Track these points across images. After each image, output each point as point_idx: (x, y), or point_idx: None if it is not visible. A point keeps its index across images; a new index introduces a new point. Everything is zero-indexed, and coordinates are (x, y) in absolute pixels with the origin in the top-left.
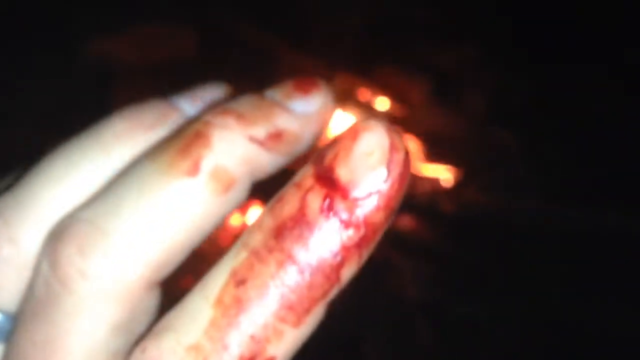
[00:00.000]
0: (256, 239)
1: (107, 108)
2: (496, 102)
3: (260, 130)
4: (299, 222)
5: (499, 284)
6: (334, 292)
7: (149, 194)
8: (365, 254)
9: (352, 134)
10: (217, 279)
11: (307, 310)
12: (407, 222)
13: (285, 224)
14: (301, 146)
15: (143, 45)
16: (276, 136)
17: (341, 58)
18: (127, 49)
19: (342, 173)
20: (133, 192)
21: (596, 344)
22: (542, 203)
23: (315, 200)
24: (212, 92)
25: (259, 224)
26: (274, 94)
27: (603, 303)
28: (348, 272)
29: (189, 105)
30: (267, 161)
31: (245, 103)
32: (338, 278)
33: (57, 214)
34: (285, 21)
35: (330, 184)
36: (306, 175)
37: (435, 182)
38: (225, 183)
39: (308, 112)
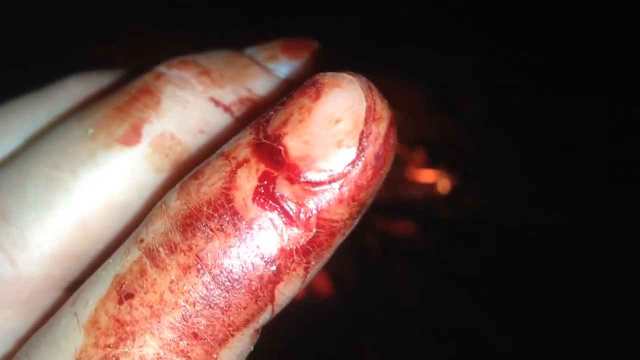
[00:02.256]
0: (156, 231)
1: None
2: (493, 109)
3: (228, 93)
4: (221, 211)
5: (494, 289)
6: (264, 316)
7: (67, 167)
8: (315, 266)
9: (314, 90)
10: (95, 290)
11: (223, 342)
12: (403, 227)
13: (199, 211)
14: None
15: (141, 51)
16: (248, 102)
17: (337, 64)
18: (124, 54)
19: (293, 145)
20: (47, 164)
21: (592, 348)
22: (537, 210)
23: (248, 179)
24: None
25: (161, 209)
26: (255, 52)
27: (599, 308)
28: (287, 290)
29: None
30: (232, 131)
31: (215, 57)
32: (271, 297)
33: None
34: (282, 27)
35: (273, 158)
36: (240, 142)
37: (431, 188)
38: (173, 155)
39: (294, 75)
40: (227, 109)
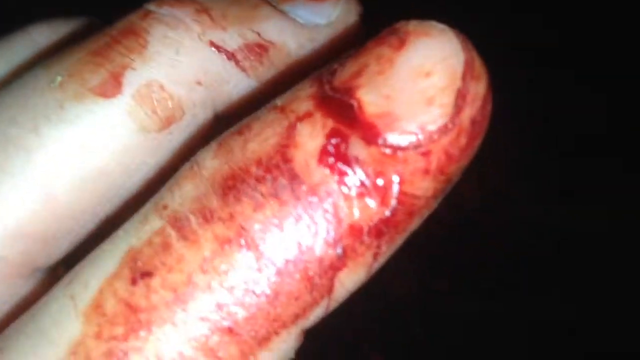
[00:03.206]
0: (184, 195)
1: None
2: (494, 106)
3: (233, 36)
4: (276, 172)
5: (493, 283)
6: (317, 313)
7: (27, 123)
8: (385, 254)
9: (397, 38)
10: (99, 266)
11: (264, 341)
12: None
13: (246, 172)
14: (294, 73)
15: None
16: (257, 49)
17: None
18: None
19: (370, 99)
20: (3, 118)
21: (591, 344)
22: (537, 207)
23: (312, 136)
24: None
25: (191, 170)
26: None
27: (598, 304)
28: (349, 280)
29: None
30: (239, 88)
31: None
32: (331, 287)
33: None
34: None
35: (344, 114)
36: (299, 94)
37: None
38: (163, 112)
39: (315, 22)
40: (230, 55)
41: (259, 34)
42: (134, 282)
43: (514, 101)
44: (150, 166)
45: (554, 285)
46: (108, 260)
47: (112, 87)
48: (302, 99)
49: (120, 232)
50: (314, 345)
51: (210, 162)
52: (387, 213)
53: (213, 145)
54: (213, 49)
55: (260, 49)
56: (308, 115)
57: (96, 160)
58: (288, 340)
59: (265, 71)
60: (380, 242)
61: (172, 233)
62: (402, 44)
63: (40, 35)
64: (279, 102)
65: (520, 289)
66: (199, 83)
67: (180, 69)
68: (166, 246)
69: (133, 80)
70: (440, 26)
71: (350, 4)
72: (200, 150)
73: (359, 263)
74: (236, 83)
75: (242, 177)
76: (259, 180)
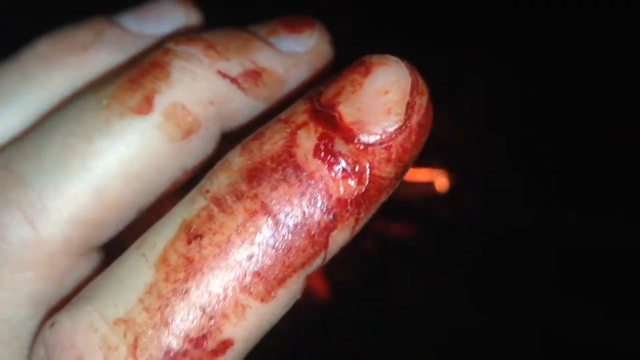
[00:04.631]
0: (221, 182)
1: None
2: (491, 107)
3: (234, 65)
4: (284, 164)
5: (494, 290)
6: (317, 262)
7: (82, 134)
8: (364, 218)
9: (364, 67)
10: (162, 233)
11: (281, 281)
12: (401, 228)
13: (263, 165)
14: (283, 92)
15: None
16: (254, 75)
17: (336, 60)
18: None
19: (346, 111)
20: (62, 131)
21: (591, 352)
22: (536, 208)
23: (308, 139)
24: (168, 10)
25: (224, 165)
26: (257, 28)
27: (599, 310)
28: (339, 238)
29: (134, 21)
30: (241, 105)
31: (219, 32)
32: (326, 243)
33: None
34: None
35: (329, 122)
36: (297, 110)
37: (429, 187)
38: (184, 126)
39: (296, 51)
40: (233, 80)
41: (254, 62)
42: (189, 242)
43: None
44: (175, 168)
45: (556, 294)
46: (168, 228)
47: (145, 106)
48: (299, 112)
49: (174, 210)
50: (314, 349)
51: (237, 159)
52: (363, 190)
53: (238, 147)
54: (220, 76)
55: (256, 74)
56: (304, 124)
57: (136, 163)
58: (298, 282)
59: (260, 91)
60: (360, 210)
61: (214, 208)
62: (367, 71)
63: (47, 49)
64: (282, 116)
65: (518, 298)
66: (210, 103)
67: (196, 92)
68: (210, 217)
69: (161, 102)
70: (394, 58)
71: (321, 34)
72: (229, 151)
73: (345, 225)
74: (238, 101)
75: (261, 169)
76: (273, 170)
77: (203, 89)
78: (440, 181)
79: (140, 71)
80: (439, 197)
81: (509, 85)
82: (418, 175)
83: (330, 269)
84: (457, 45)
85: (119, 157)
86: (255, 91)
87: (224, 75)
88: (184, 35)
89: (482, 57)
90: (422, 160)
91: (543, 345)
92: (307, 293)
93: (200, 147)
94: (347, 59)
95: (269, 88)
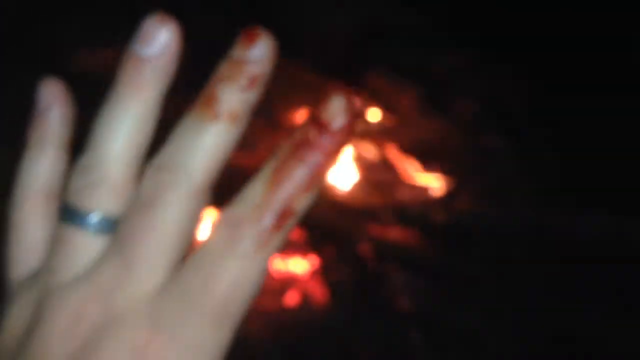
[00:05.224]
0: (284, 152)
1: (92, 123)
2: (487, 110)
3: (244, 81)
4: (305, 140)
5: (492, 293)
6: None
7: (195, 136)
8: (335, 155)
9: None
10: (262, 175)
11: (315, 182)
12: (398, 232)
13: (299, 141)
14: (265, 81)
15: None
16: (253, 80)
17: (332, 66)
18: (112, 63)
19: (324, 118)
20: (185, 138)
21: (591, 352)
22: (534, 210)
23: (312, 130)
24: (158, 27)
25: (281, 146)
26: (235, 52)
27: (598, 310)
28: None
29: (141, 47)
30: (253, 98)
31: (226, 69)
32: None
33: (131, 155)
34: (276, 30)
35: (318, 123)
36: (306, 126)
37: (426, 191)
38: (234, 119)
39: (262, 56)
40: (246, 88)
41: (250, 74)
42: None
43: None
44: (236, 139)
45: (555, 295)
46: (265, 172)
47: (216, 116)
48: (307, 125)
49: (265, 166)
50: (313, 354)
51: (285, 144)
52: (335, 141)
53: (285, 142)
54: (241, 90)
55: (254, 79)
56: (309, 126)
57: (216, 148)
58: (319, 184)
59: (258, 86)
60: (332, 150)
61: (285, 158)
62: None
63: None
64: (298, 130)
65: (516, 300)
66: (243, 102)
67: (235, 101)
68: (285, 161)
69: (221, 111)
70: (339, 96)
71: (270, 42)
72: (282, 140)
73: (330, 159)
74: (252, 97)
75: (299, 143)
76: (302, 143)
77: (238, 98)
78: (437, 185)
79: (205, 101)
80: (435, 201)
81: (506, 89)
82: (414, 180)
83: (328, 276)
84: (453, 48)
85: (215, 142)
86: (255, 88)
87: (243, 88)
88: (213, 78)
89: (480, 60)
90: (418, 165)
91: (544, 345)
92: (307, 299)
93: (242, 125)
94: None
95: (260, 82)
